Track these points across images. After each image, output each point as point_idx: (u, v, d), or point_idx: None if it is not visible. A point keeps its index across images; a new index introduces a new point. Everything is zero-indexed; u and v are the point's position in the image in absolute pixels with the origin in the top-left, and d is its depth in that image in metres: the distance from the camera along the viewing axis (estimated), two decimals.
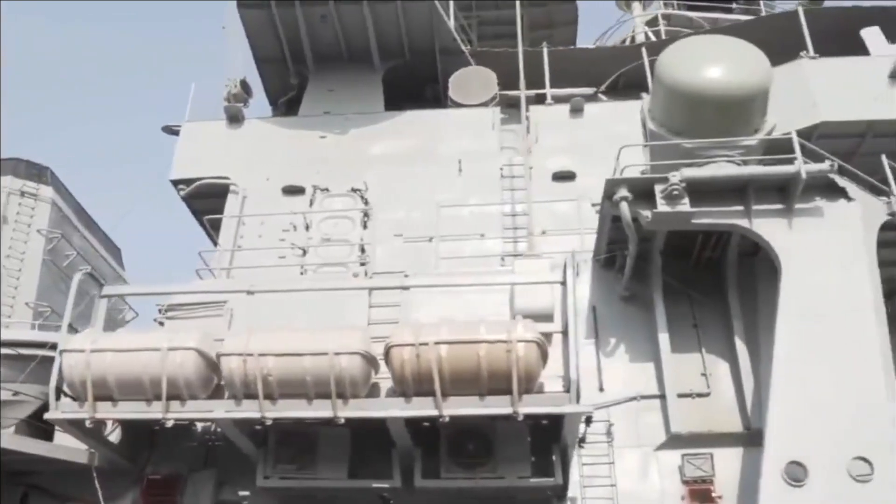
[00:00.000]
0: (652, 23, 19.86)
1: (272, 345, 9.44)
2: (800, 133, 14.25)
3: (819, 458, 9.11)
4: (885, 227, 11.12)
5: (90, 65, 54.19)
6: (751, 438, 10.60)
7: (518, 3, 17.32)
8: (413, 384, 9.35)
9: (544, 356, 9.44)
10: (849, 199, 10.90)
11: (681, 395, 11.23)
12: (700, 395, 11.31)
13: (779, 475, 9.08)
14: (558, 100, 15.92)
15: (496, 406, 9.31)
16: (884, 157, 12.93)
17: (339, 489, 10.53)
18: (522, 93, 15.06)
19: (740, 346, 11.31)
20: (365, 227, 14.37)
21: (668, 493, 10.70)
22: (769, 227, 10.71)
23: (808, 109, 14.30)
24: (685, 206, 10.63)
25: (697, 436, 10.91)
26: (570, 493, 10.66)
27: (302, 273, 13.86)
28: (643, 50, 16.12)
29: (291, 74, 16.55)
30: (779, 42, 15.37)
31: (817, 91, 14.41)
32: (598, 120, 15.42)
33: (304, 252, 14.09)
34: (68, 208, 17.14)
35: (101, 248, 18.48)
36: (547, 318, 11.63)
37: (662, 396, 11.20)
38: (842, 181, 10.92)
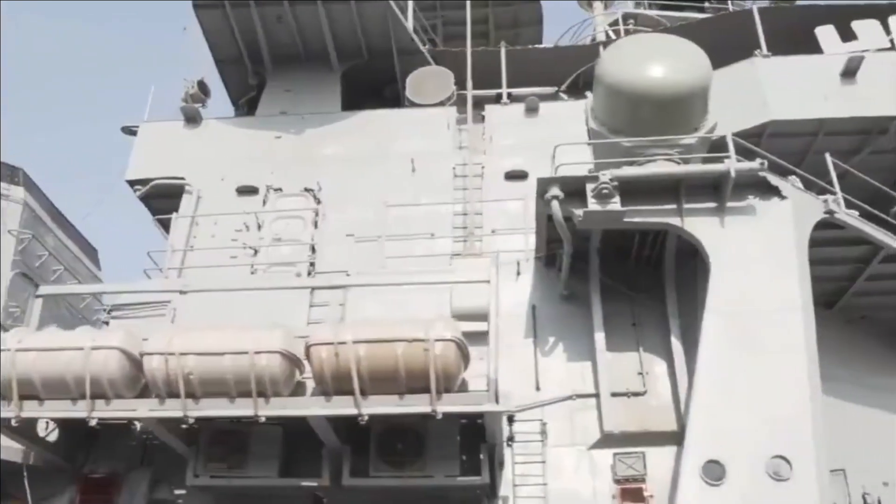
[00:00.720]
0: (618, 23, 19.86)
1: (193, 344, 9.49)
2: (751, 132, 14.48)
3: (737, 457, 9.10)
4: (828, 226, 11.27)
5: (62, 63, 54.17)
6: (684, 438, 10.58)
7: (468, 2, 17.24)
8: (332, 383, 9.38)
9: (465, 355, 9.45)
10: (782, 197, 10.89)
11: (616, 395, 11.24)
12: (635, 394, 11.30)
13: (697, 474, 9.07)
14: (516, 99, 15.94)
15: (415, 405, 9.32)
16: (827, 156, 12.99)
17: (269, 487, 10.57)
18: (469, 92, 15.09)
19: (676, 346, 11.29)
20: (316, 226, 14.40)
21: (600, 493, 10.69)
22: (700, 226, 10.71)
23: (759, 108, 14.30)
24: (616, 204, 10.63)
25: (630, 435, 10.90)
26: (503, 492, 10.71)
27: (252, 273, 13.89)
28: (601, 49, 16.09)
29: (250, 75, 16.60)
30: (735, 40, 15.47)
31: (768, 90, 14.39)
32: (552, 119, 15.38)
33: (256, 252, 14.13)
34: (41, 209, 17.20)
35: (75, 248, 18.57)
36: (483, 317, 11.68)
37: (598, 395, 11.20)
38: (775, 180, 10.91)
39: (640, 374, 11.44)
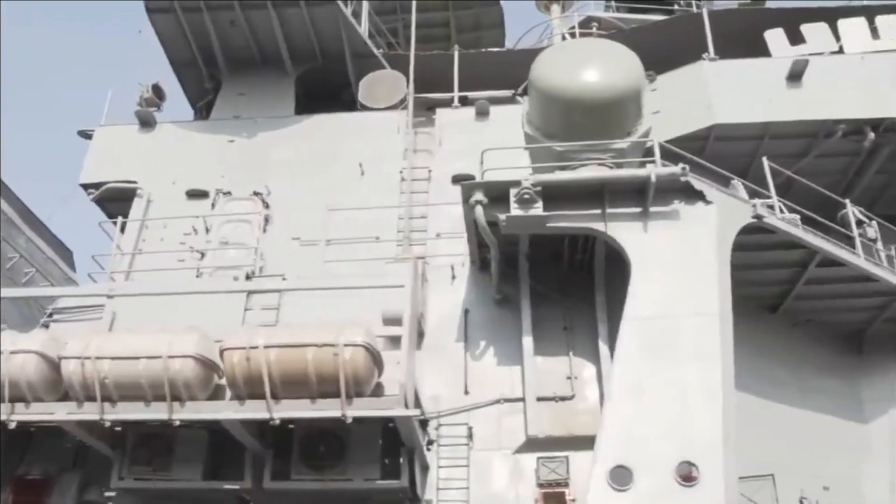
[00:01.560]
0: (584, 24, 19.86)
1: (110, 348, 9.57)
2: (696, 135, 14.52)
3: (645, 463, 9.11)
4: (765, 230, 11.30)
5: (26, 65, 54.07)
6: None
7: (414, 3, 17.30)
8: (245, 387, 9.45)
9: (376, 360, 9.49)
10: (707, 202, 10.90)
11: (543, 399, 11.28)
12: (563, 399, 11.35)
13: (605, 480, 9.09)
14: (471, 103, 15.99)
15: (326, 409, 9.38)
16: (764, 160, 13.02)
17: (194, 490, 10.64)
18: (410, 96, 15.10)
19: (604, 350, 11.33)
20: (264, 230, 14.48)
21: (523, 497, 10.74)
22: (623, 231, 10.73)
23: (704, 111, 14.33)
24: (538, 209, 10.67)
25: (555, 439, 10.95)
26: (427, 496, 10.77)
27: (198, 276, 13.99)
28: None
29: (205, 79, 16.71)
30: (687, 44, 15.49)
31: (713, 93, 14.42)
32: (502, 122, 15.34)
33: (202, 255, 14.22)
34: (12, 210, 17.38)
35: (49, 250, 18.71)
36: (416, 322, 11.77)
37: (524, 399, 11.25)
38: (699, 185, 10.92)
39: (569, 378, 11.50)
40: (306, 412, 9.43)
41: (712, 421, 9.28)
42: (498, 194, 10.90)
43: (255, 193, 14.80)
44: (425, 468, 10.91)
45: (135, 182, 15.32)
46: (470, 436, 11.14)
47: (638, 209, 10.84)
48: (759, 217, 11.31)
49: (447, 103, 16.18)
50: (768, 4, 20.03)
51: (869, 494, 13.42)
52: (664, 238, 10.62)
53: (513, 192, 10.74)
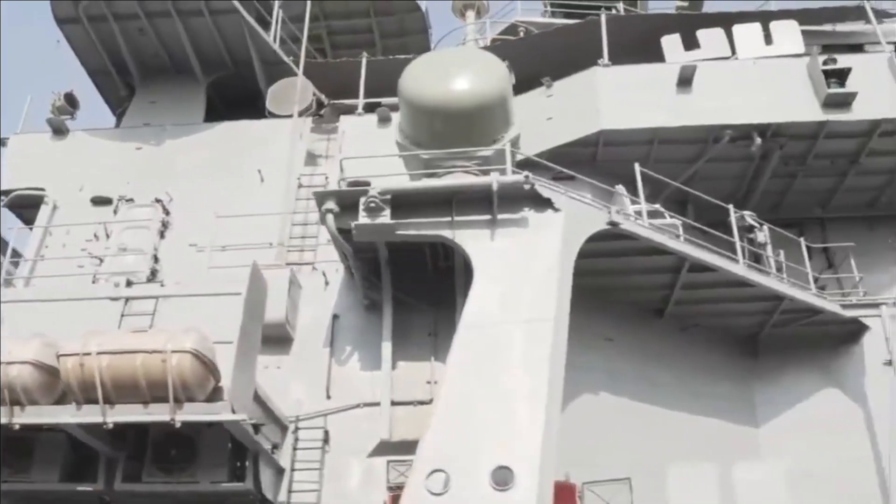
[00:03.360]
0: (510, 30, 20.02)
1: None
2: (585, 140, 14.65)
3: (462, 468, 9.23)
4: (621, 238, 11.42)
5: None
6: None
7: (318, 2, 17.50)
8: (80, 392, 9.69)
9: (207, 365, 9.69)
10: (555, 209, 11.04)
11: (401, 403, 11.48)
12: (422, 403, 11.53)
13: (421, 484, 9.25)
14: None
15: (156, 414, 9.61)
16: (636, 165, 13.13)
17: (51, 492, 10.92)
18: (296, 104, 15.25)
19: None
20: (162, 236, 14.76)
21: (374, 500, 10.93)
22: (470, 238, 10.89)
23: (592, 117, 14.43)
24: (385, 217, 10.85)
25: (408, 443, 11.07)
26: (281, 499, 11.00)
27: (94, 282, 14.28)
28: None
29: (120, 86, 17.02)
30: (590, 49, 15.61)
31: (603, 99, 14.53)
32: None
33: (101, 261, 14.51)
34: None
35: None
36: (277, 327, 12.03)
37: (379, 404, 11.46)
38: (547, 192, 11.06)
39: (429, 383, 11.68)
40: (138, 416, 9.64)
41: (532, 427, 9.40)
42: (351, 203, 11.09)
43: (157, 200, 15.07)
44: (280, 471, 11.14)
45: (42, 189, 15.65)
46: (326, 439, 11.34)
47: (487, 217, 10.99)
48: (614, 223, 11.44)
49: (368, 109, 16.38)
50: (705, 8, 20.19)
51: (751, 497, 13.56)
52: (509, 245, 10.77)
53: (362, 200, 10.92)
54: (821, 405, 14.50)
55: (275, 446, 10.84)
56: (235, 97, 17.20)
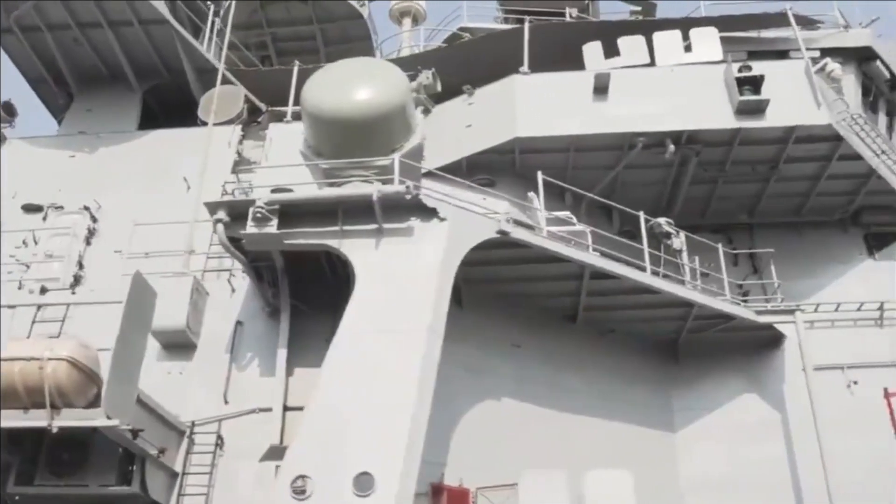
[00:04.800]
0: (455, 37, 20.15)
1: None
2: (502, 148, 14.80)
3: (326, 473, 9.45)
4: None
5: None
6: None
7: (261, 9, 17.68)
8: None
9: (85, 372, 9.92)
10: (441, 218, 11.20)
11: (295, 409, 11.66)
12: None
13: (286, 489, 9.46)
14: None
15: (34, 420, 9.85)
16: (539, 174, 13.27)
17: None
18: (213, 113, 15.43)
19: None
20: (88, 243, 15.02)
21: None
22: (355, 248, 11.07)
23: (508, 125, 14.57)
24: (272, 227, 11.06)
25: None
26: (172, 502, 11.23)
27: (19, 288, 14.57)
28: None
29: (59, 95, 17.32)
30: (514, 57, 15.77)
31: (519, 107, 14.67)
32: None
33: (28, 267, 14.80)
34: None
35: None
36: (178, 333, 12.28)
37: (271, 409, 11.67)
38: (432, 201, 11.22)
39: None
40: (16, 422, 9.89)
41: (397, 434, 9.58)
42: (243, 213, 11.30)
43: (85, 208, 15.34)
44: (174, 475, 11.37)
45: None
46: (220, 444, 11.56)
47: (374, 226, 11.16)
48: (503, 232, 11.60)
49: (297, 117, 16.57)
50: (659, 13, 20.29)
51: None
52: (392, 254, 10.94)
53: (250, 210, 11.13)
54: (740, 411, 14.64)
55: (161, 451, 11.03)
56: (173, 104, 17.45)
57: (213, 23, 17.07)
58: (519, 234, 11.78)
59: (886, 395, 12.70)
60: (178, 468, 11.48)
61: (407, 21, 20.26)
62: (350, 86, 11.95)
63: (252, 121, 16.76)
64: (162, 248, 14.42)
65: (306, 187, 11.88)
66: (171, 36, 16.27)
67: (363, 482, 9.34)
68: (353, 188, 11.79)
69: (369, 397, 9.87)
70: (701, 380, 14.83)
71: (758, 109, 14.20)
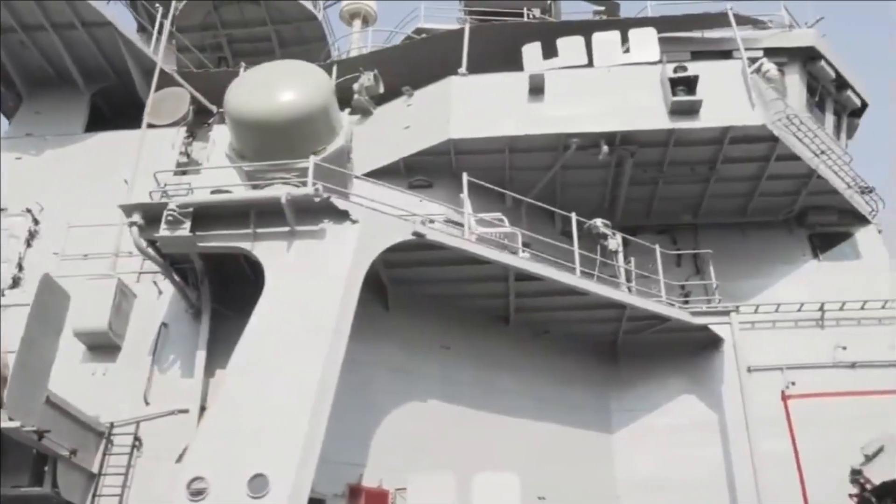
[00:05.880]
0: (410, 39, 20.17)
1: None
2: (438, 149, 14.82)
3: (222, 475, 9.48)
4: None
5: None
6: None
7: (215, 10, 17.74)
8: None
9: None
10: (353, 221, 11.22)
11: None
12: None
13: (183, 491, 9.51)
14: None
15: None
16: (465, 175, 13.28)
17: None
18: (146, 115, 15.48)
19: None
20: (29, 245, 15.12)
21: None
22: (266, 250, 11.11)
23: (442, 127, 14.60)
24: (184, 230, 11.10)
25: None
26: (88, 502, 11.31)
27: None
28: (334, 67, 16.49)
29: (8, 97, 17.42)
30: (456, 59, 15.78)
31: (454, 108, 14.69)
32: None
33: None
34: None
35: None
36: (101, 335, 12.36)
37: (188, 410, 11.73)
38: (344, 204, 11.25)
39: None
40: None
41: (293, 436, 9.61)
42: (157, 216, 11.35)
43: (27, 210, 15.44)
44: (92, 476, 11.45)
45: None
46: (137, 445, 11.63)
47: (286, 229, 11.20)
48: (418, 234, 11.61)
49: None
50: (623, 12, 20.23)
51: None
52: (304, 257, 10.98)
53: (164, 213, 11.18)
54: (678, 412, 14.65)
55: (73, 452, 11.09)
56: (124, 107, 17.52)
57: (161, 24, 17.06)
58: (435, 236, 11.79)
59: (784, 396, 12.62)
60: (95, 469, 11.56)
61: (357, 22, 20.29)
62: (270, 88, 11.98)
63: (203, 122, 16.82)
64: (99, 250, 14.57)
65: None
66: (115, 38, 16.32)
67: (258, 483, 9.37)
68: (271, 191, 11.82)
69: (268, 399, 9.90)
70: (641, 381, 14.85)
71: (691, 110, 14.18)
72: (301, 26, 19.68)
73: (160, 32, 17.04)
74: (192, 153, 16.74)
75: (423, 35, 19.82)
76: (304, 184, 11.86)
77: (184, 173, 14.83)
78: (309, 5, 19.28)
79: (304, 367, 10.08)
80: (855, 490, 10.66)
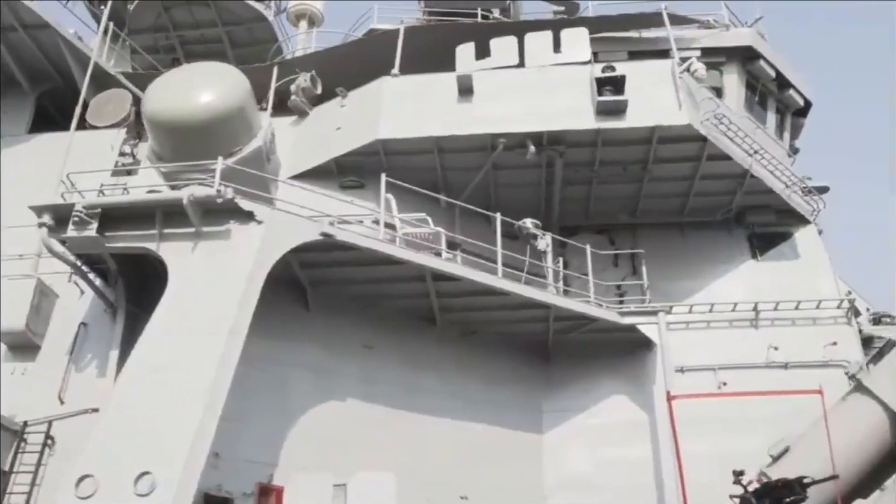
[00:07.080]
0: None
1: None
2: (367, 150, 14.86)
3: (110, 473, 9.55)
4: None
5: None
6: None
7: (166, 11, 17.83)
8: None
9: None
10: (258, 222, 11.28)
11: None
12: None
13: (71, 489, 9.59)
14: None
15: None
16: (383, 176, 13.32)
17: None
18: (76, 117, 15.53)
19: None
20: None
21: None
22: (171, 251, 11.18)
23: (371, 127, 14.64)
24: (91, 231, 11.20)
25: None
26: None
27: None
28: (275, 68, 16.56)
29: None
30: (391, 60, 15.82)
31: (383, 109, 14.73)
32: None
33: None
34: None
35: None
36: (19, 335, 12.49)
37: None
38: (249, 206, 11.30)
39: None
40: None
41: (182, 434, 9.67)
42: (66, 216, 11.45)
43: None
44: (2, 473, 11.57)
45: None
46: (49, 444, 11.73)
47: (192, 230, 11.27)
48: (327, 235, 11.67)
49: None
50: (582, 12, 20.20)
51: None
52: (206, 258, 11.04)
53: (72, 214, 11.28)
54: (609, 412, 14.66)
55: None
56: (69, 108, 17.63)
57: (106, 26, 17.19)
58: (344, 236, 11.84)
59: (669, 398, 12.58)
60: (6, 467, 11.68)
61: (303, 23, 20.36)
62: (184, 90, 12.09)
63: (133, 124, 16.87)
64: (33, 250, 14.70)
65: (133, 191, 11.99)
66: (56, 40, 16.47)
67: (145, 482, 9.44)
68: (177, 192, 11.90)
69: (160, 398, 9.97)
70: (574, 381, 14.84)
71: (617, 110, 14.16)
72: (252, 27, 19.79)
73: (105, 33, 17.19)
74: (138, 154, 16.84)
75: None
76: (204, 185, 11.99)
77: (129, 173, 14.83)
78: (259, 6, 19.37)
79: (197, 366, 10.14)
80: (738, 491, 10.61)
